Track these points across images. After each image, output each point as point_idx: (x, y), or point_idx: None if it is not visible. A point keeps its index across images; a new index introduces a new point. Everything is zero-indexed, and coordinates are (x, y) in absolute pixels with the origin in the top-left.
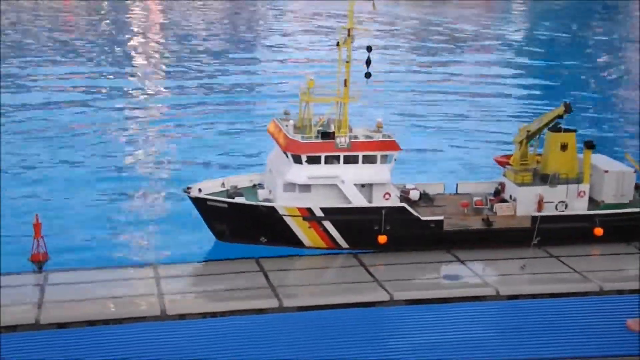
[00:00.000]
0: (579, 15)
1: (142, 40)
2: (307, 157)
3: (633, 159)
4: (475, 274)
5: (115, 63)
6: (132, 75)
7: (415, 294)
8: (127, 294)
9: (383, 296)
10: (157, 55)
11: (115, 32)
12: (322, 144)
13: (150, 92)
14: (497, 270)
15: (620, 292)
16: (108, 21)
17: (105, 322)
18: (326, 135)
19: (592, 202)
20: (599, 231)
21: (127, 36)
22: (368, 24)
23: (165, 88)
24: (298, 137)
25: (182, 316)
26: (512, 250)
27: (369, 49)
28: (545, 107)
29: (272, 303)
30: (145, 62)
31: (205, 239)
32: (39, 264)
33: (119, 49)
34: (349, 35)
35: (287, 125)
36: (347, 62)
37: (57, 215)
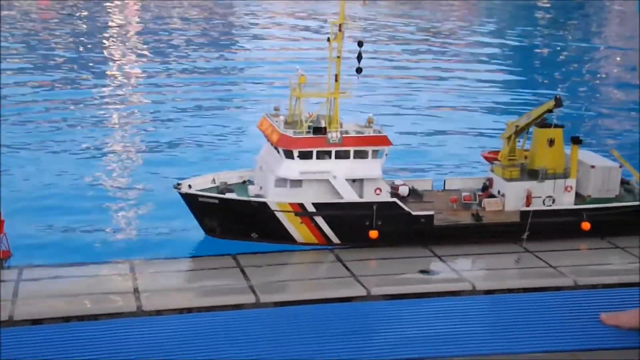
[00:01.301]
0: (557, 15)
1: (120, 37)
2: (299, 152)
3: (618, 155)
4: (452, 269)
5: (92, 54)
6: (110, 72)
7: (392, 289)
8: (103, 290)
9: (360, 291)
10: (134, 53)
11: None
12: (314, 139)
13: (128, 87)
14: (473, 266)
15: (594, 286)
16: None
17: (80, 318)
18: (318, 130)
19: (579, 197)
20: (586, 225)
21: (104, 34)
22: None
23: (145, 85)
24: (290, 133)
25: (158, 312)
26: (491, 246)
27: (360, 44)
28: (523, 104)
29: (249, 299)
30: (122, 58)
31: (191, 234)
32: (0, 261)
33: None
34: (339, 30)
35: (277, 121)
36: (338, 57)
37: (31, 209)
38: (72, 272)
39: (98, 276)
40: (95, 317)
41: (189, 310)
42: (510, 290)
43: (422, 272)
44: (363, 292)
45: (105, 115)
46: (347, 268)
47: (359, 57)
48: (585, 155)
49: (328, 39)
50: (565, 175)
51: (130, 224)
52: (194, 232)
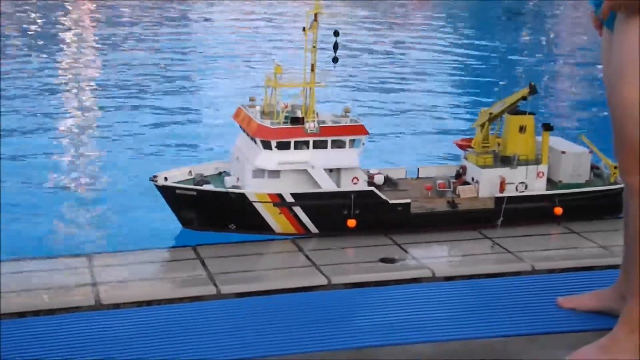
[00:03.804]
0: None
1: (75, 34)
2: (277, 142)
3: (588, 140)
4: (412, 256)
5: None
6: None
7: (353, 277)
8: (59, 283)
9: (321, 280)
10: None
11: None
12: (292, 130)
13: (85, 80)
14: (433, 253)
15: (551, 271)
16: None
17: (36, 312)
18: (296, 120)
19: (550, 183)
20: (558, 210)
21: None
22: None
23: (112, 78)
24: (267, 123)
25: (116, 305)
26: (451, 234)
27: (336, 33)
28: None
29: (210, 290)
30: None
31: (161, 227)
32: None
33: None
34: (315, 20)
35: (253, 112)
36: (314, 47)
37: None
38: (28, 266)
39: (55, 270)
40: (51, 311)
41: (148, 303)
42: (469, 277)
43: (383, 260)
44: (324, 281)
45: (66, 103)
46: (307, 257)
47: (335, 47)
48: (555, 141)
49: (303, 29)
50: (537, 162)
51: (98, 217)
52: (164, 224)
